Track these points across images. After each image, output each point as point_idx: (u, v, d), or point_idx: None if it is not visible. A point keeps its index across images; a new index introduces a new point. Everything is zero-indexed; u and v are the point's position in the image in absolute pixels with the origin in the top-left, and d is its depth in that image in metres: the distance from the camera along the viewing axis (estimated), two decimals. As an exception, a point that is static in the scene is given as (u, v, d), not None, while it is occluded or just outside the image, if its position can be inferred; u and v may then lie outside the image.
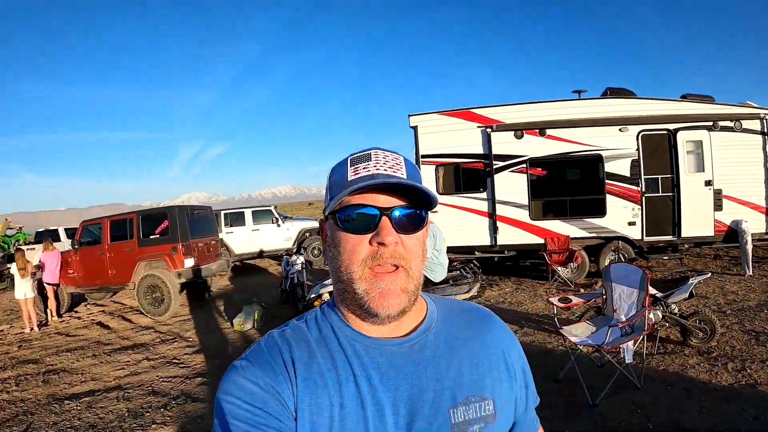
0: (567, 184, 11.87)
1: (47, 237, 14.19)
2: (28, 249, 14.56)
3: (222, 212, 15.54)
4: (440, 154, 10.78)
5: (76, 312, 11.89)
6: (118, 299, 12.84)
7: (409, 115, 10.87)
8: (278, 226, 15.57)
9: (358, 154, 0.91)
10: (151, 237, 10.52)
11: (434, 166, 10.80)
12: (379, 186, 0.84)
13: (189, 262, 10.25)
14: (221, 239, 14.25)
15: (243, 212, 15.75)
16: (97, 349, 8.24)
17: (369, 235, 0.84)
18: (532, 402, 1.04)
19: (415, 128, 10.83)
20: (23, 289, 9.86)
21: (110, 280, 10.88)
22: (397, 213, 0.85)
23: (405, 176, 0.88)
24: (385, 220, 0.84)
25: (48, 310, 11.04)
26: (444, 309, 1.00)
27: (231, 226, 15.50)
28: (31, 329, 10.06)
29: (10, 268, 10.33)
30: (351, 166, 0.89)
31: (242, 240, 15.44)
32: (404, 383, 0.85)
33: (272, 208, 16.00)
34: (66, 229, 18.52)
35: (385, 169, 0.87)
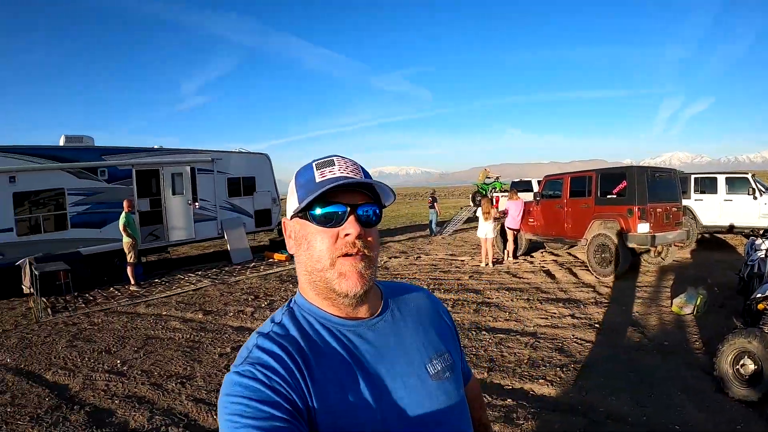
0: None
1: (514, 187, 16.01)
2: (501, 196, 16.64)
3: (692, 176, 13.93)
4: None
5: (531, 257, 13.26)
6: (574, 252, 13.47)
7: None
8: (755, 198, 12.75)
9: (322, 160, 1.07)
10: (608, 196, 10.68)
11: None
12: (349, 185, 1.01)
13: (643, 227, 9.92)
14: (687, 207, 13.02)
15: (716, 178, 13.57)
16: (533, 294, 8.95)
17: (338, 229, 1.00)
18: (462, 352, 1.32)
19: None
20: (485, 230, 12.06)
21: (565, 233, 11.73)
22: (360, 210, 1.02)
23: (362, 178, 1.04)
24: (351, 216, 1.00)
25: (506, 251, 12.91)
26: (391, 289, 1.21)
27: (701, 192, 13.68)
28: (486, 264, 12.09)
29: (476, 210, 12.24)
30: (317, 170, 1.04)
31: (711, 210, 13.46)
32: (388, 353, 1.05)
33: (749, 176, 13.11)
34: (538, 181, 19.99)
35: (347, 173, 1.03)
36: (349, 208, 1.01)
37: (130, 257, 10.93)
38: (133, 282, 11.13)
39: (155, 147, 13.68)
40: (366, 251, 1.02)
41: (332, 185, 0.98)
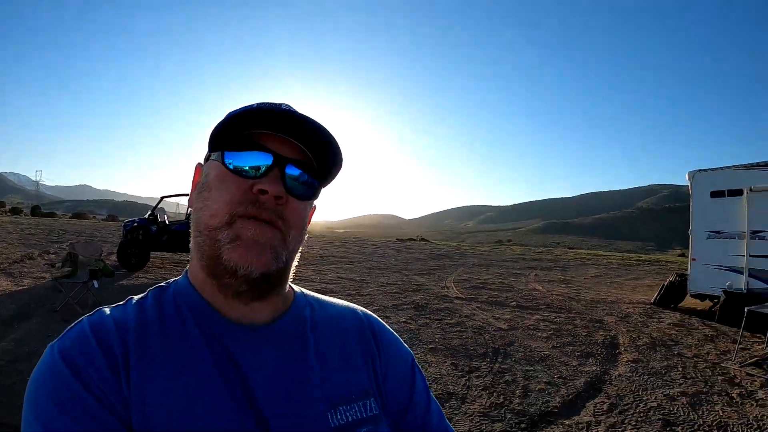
0: None
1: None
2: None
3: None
4: None
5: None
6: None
7: None
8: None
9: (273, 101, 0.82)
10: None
11: None
12: (283, 118, 0.79)
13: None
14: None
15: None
16: None
17: (252, 181, 0.77)
18: (423, 392, 0.96)
19: None
20: None
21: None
22: (291, 168, 0.81)
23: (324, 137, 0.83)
24: (276, 170, 0.79)
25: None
26: (312, 299, 0.96)
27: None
28: None
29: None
30: (257, 105, 0.80)
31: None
32: (277, 378, 0.78)
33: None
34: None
35: (301, 115, 0.80)
36: (275, 159, 0.79)
37: None
38: None
39: None
40: (281, 223, 0.78)
41: (260, 106, 0.79)
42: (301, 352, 0.83)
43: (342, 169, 0.88)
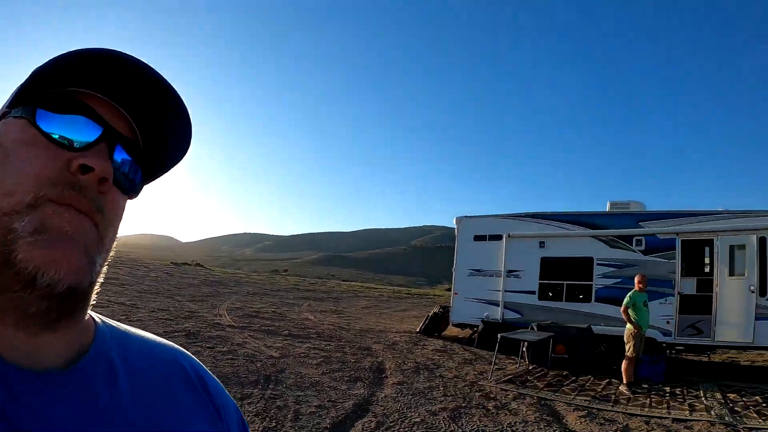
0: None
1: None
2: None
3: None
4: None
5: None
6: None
7: None
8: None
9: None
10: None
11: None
12: (118, 75, 0.61)
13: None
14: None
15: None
16: None
17: (72, 154, 0.57)
18: None
19: None
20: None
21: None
22: (120, 152, 0.62)
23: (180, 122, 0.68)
24: (104, 146, 0.59)
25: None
26: (118, 332, 0.69)
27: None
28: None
29: None
30: (89, 49, 0.59)
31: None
32: None
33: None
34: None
35: (150, 70, 0.63)
36: (105, 132, 0.59)
37: (628, 348, 8.68)
38: (625, 380, 8.66)
39: (706, 210, 10.98)
40: (99, 218, 0.58)
41: (94, 50, 0.58)
42: (115, 408, 0.58)
43: (175, 167, 0.72)
